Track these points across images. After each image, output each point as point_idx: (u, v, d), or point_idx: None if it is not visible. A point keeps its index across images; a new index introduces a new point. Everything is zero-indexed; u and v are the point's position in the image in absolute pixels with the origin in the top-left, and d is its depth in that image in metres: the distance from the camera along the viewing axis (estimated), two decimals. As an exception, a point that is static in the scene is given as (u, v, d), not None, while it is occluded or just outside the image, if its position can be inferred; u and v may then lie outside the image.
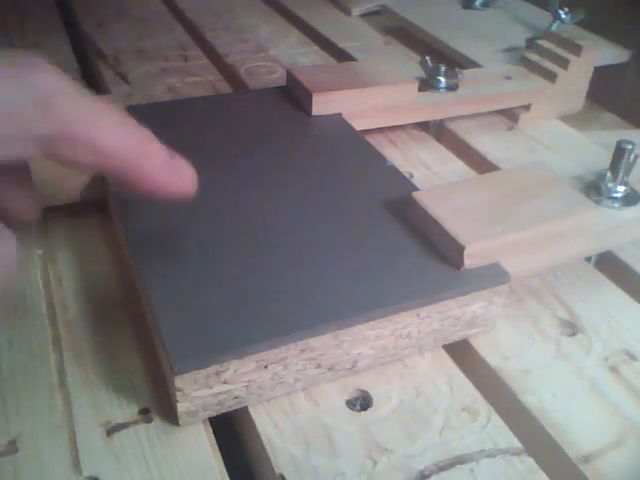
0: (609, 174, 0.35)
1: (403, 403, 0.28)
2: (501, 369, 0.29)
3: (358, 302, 0.27)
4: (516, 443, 0.26)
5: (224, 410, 0.26)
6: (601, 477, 0.25)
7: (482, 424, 0.27)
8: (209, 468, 0.25)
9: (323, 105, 0.42)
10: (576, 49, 0.48)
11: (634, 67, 0.54)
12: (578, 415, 0.27)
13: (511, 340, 0.31)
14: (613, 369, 0.30)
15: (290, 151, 0.39)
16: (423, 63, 0.46)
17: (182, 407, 0.25)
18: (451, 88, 0.46)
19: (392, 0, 0.66)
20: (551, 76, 0.48)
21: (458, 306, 0.29)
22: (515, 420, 0.27)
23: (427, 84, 0.46)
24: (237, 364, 0.25)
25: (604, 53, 0.53)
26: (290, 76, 0.44)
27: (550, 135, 0.47)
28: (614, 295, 0.34)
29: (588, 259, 0.36)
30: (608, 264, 0.36)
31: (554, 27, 0.54)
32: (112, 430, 0.26)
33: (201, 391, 0.25)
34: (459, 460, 0.25)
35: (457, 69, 0.46)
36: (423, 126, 0.48)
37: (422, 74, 0.46)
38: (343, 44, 0.60)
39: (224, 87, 0.52)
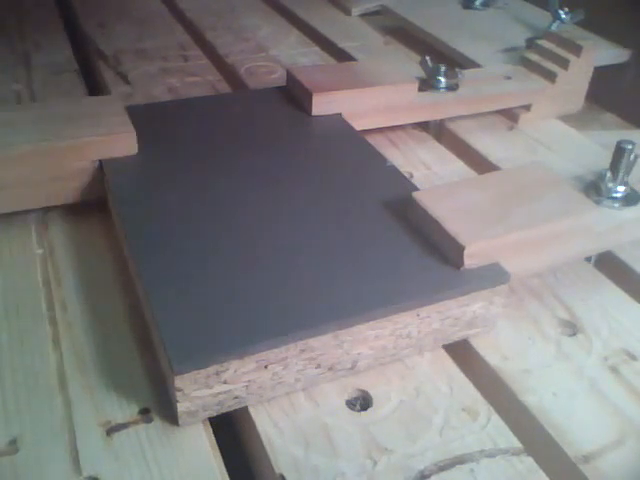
0: (609, 174, 0.35)
1: (403, 403, 0.28)
2: (501, 369, 0.29)
3: (358, 302, 0.27)
4: (516, 443, 0.26)
5: (224, 410, 0.26)
6: (601, 477, 0.25)
7: (482, 424, 0.27)
8: (209, 468, 0.25)
9: (323, 105, 0.42)
10: (576, 49, 0.48)
11: (634, 67, 0.54)
12: (578, 415, 0.27)
13: (511, 340, 0.31)
14: (613, 369, 0.30)
15: (290, 151, 0.39)
16: (423, 63, 0.46)
17: (182, 407, 0.25)
18: (451, 88, 0.46)
19: (392, 0, 0.66)
20: (551, 76, 0.48)
21: (458, 306, 0.29)
22: (515, 420, 0.27)
23: (427, 84, 0.46)
24: (237, 364, 0.25)
25: (604, 53, 0.53)
26: (290, 76, 0.44)
27: (550, 135, 0.47)
28: (614, 295, 0.34)
29: (588, 259, 0.36)
30: (608, 264, 0.36)
31: (554, 27, 0.54)
32: (112, 430, 0.26)
33: (201, 391, 0.25)
34: (459, 460, 0.25)
35: (457, 69, 0.46)
36: (423, 126, 0.48)
37: (422, 74, 0.46)
38: (343, 44, 0.60)
39: (224, 87, 0.52)
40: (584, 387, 0.29)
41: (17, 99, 0.49)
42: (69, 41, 0.59)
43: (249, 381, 0.26)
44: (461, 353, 0.31)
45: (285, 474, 0.24)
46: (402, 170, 0.38)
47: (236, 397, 0.26)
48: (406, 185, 0.35)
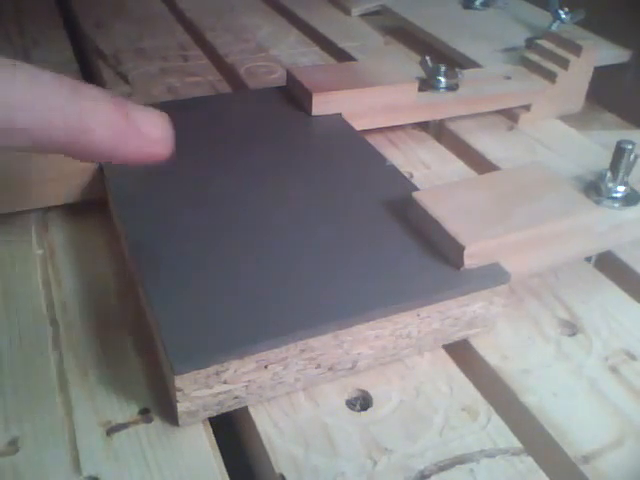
0: (609, 174, 0.35)
1: (403, 403, 0.28)
2: (501, 369, 0.29)
3: (358, 302, 0.27)
4: (516, 443, 0.26)
5: (224, 410, 0.26)
6: (601, 477, 0.25)
7: (482, 424, 0.27)
8: (209, 468, 0.25)
9: (323, 105, 0.42)
10: (576, 49, 0.48)
11: (634, 67, 0.54)
12: (578, 415, 0.27)
13: (511, 340, 0.31)
14: (613, 369, 0.30)
15: (290, 151, 0.39)
16: (423, 63, 0.46)
17: (182, 407, 0.25)
18: (451, 88, 0.46)
19: (392, 0, 0.66)
20: (551, 76, 0.48)
21: (458, 306, 0.29)
22: (515, 420, 0.27)
23: (427, 84, 0.46)
24: (237, 364, 0.25)
25: (604, 53, 0.53)
26: (290, 76, 0.44)
27: (550, 135, 0.47)
28: (614, 295, 0.34)
29: (588, 259, 0.36)
30: (608, 264, 0.36)
31: (554, 27, 0.54)
32: (112, 430, 0.26)
33: (201, 391, 0.25)
34: (459, 460, 0.25)
35: (457, 69, 0.46)
36: (423, 126, 0.48)
37: (422, 74, 0.46)
38: (343, 44, 0.60)
39: (224, 87, 0.52)
40: (584, 387, 0.29)
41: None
42: (69, 41, 0.59)
43: (249, 381, 0.26)
44: (461, 353, 0.31)
45: (285, 474, 0.24)
46: (402, 170, 0.38)
47: (236, 397, 0.26)
48: (406, 185, 0.36)
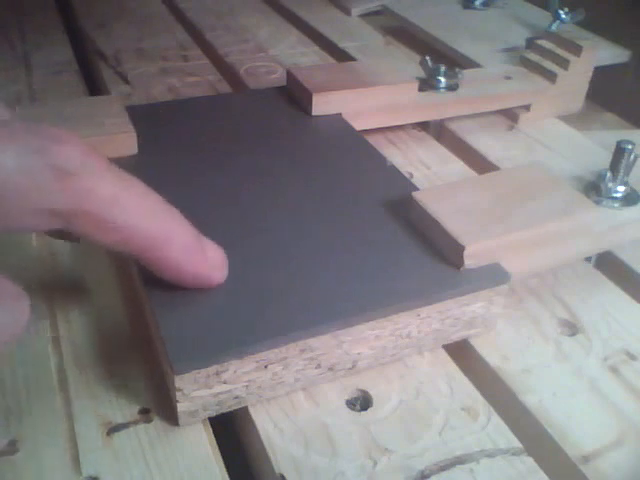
0: (609, 174, 0.35)
1: (403, 403, 0.28)
2: (501, 369, 0.29)
3: (358, 302, 0.27)
4: (516, 443, 0.26)
5: (224, 410, 0.26)
6: (601, 477, 0.25)
7: (482, 424, 0.27)
8: (209, 468, 0.25)
9: (323, 105, 0.42)
10: (576, 49, 0.48)
11: (634, 67, 0.54)
12: (578, 415, 0.27)
13: (511, 340, 0.31)
14: (613, 369, 0.30)
15: (290, 151, 0.39)
16: (423, 63, 0.46)
17: (182, 407, 0.25)
18: (451, 88, 0.46)
19: (392, 0, 0.66)
20: (551, 76, 0.48)
21: (458, 306, 0.29)
22: (515, 420, 0.27)
23: (427, 84, 0.46)
24: (237, 364, 0.25)
25: (604, 53, 0.53)
26: (290, 76, 0.44)
27: (550, 135, 0.47)
28: (614, 295, 0.34)
29: (588, 259, 0.36)
30: (608, 264, 0.36)
31: (554, 27, 0.54)
32: (112, 430, 0.26)
33: (201, 391, 0.25)
34: (459, 460, 0.25)
35: (457, 69, 0.46)
36: (423, 126, 0.48)
37: (422, 74, 0.46)
38: (343, 44, 0.60)
39: (224, 87, 0.52)
40: (584, 387, 0.29)
41: (17, 99, 0.49)
42: (69, 41, 0.59)
43: (249, 381, 0.26)
44: (461, 353, 0.31)
45: (285, 474, 0.24)
46: (402, 170, 0.38)
47: (236, 397, 0.26)
48: (406, 185, 0.36)
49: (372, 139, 0.41)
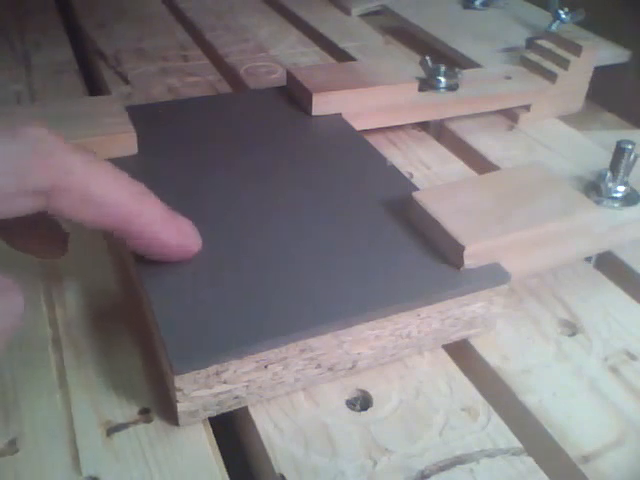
0: (609, 174, 0.35)
1: (403, 403, 0.28)
2: (501, 369, 0.29)
3: (358, 302, 0.27)
4: (516, 443, 0.26)
5: (224, 410, 0.26)
6: (601, 477, 0.25)
7: (482, 424, 0.27)
8: (209, 468, 0.25)
9: (323, 105, 0.42)
10: (576, 49, 0.48)
11: (634, 67, 0.54)
12: (578, 415, 0.27)
13: (511, 340, 0.31)
14: (613, 369, 0.30)
15: (290, 151, 0.39)
16: (423, 63, 0.46)
17: (182, 407, 0.25)
18: (451, 88, 0.46)
19: (392, 0, 0.66)
20: (551, 76, 0.48)
21: (458, 306, 0.29)
22: (515, 420, 0.27)
23: (427, 84, 0.46)
24: (237, 364, 0.25)
25: (604, 53, 0.53)
26: (290, 76, 0.44)
27: (550, 135, 0.47)
28: (614, 295, 0.34)
29: (588, 259, 0.36)
30: (608, 264, 0.36)
31: (554, 27, 0.54)
32: (112, 430, 0.26)
33: (201, 391, 0.25)
34: (459, 460, 0.25)
35: (457, 69, 0.46)
36: (423, 126, 0.48)
37: (422, 74, 0.46)
38: (343, 44, 0.60)
39: (224, 87, 0.52)
40: (584, 387, 0.29)
41: (17, 99, 0.49)
42: (69, 41, 0.59)
43: (249, 381, 0.26)
44: (461, 353, 0.31)
45: (285, 474, 0.24)
46: (402, 170, 0.38)
47: (236, 397, 0.26)
48: (406, 185, 0.36)
49: (372, 139, 0.41)
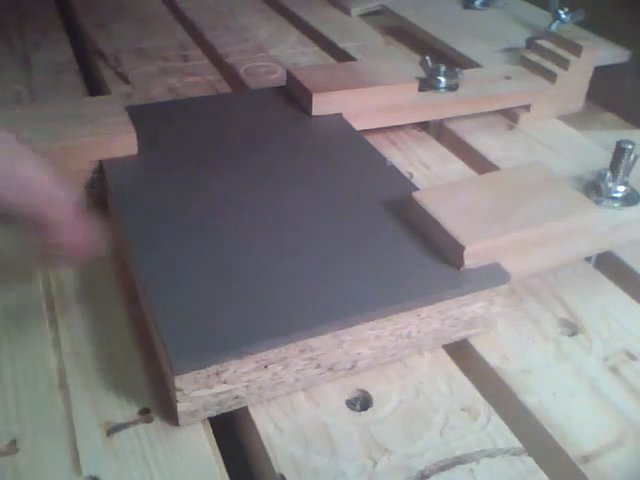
0: (609, 174, 0.35)
1: (403, 403, 0.28)
2: (501, 369, 0.29)
3: (358, 302, 0.27)
4: (516, 443, 0.26)
5: (224, 410, 0.26)
6: (601, 477, 0.25)
7: (482, 424, 0.27)
8: (209, 468, 0.25)
9: (323, 105, 0.42)
10: (576, 49, 0.48)
11: (634, 67, 0.54)
12: (578, 415, 0.27)
13: (511, 340, 0.31)
14: (613, 369, 0.30)
15: (290, 151, 0.39)
16: (423, 63, 0.46)
17: (182, 407, 0.25)
18: (451, 88, 0.46)
19: (392, 0, 0.66)
20: (551, 76, 0.48)
21: (458, 306, 0.29)
22: (515, 420, 0.27)
23: (427, 84, 0.46)
24: (237, 364, 0.25)
25: (604, 53, 0.53)
26: (290, 76, 0.44)
27: (550, 135, 0.47)
28: (614, 295, 0.34)
29: (588, 259, 0.36)
30: (608, 264, 0.36)
31: (554, 27, 0.54)
32: (112, 430, 0.26)
33: (201, 391, 0.25)
34: (459, 460, 0.25)
35: (457, 69, 0.46)
36: (423, 126, 0.48)
37: (422, 74, 0.46)
38: (343, 44, 0.60)
39: (224, 87, 0.52)
40: (584, 387, 0.29)
41: (17, 99, 0.49)
42: (69, 41, 0.59)
43: (249, 381, 0.26)
44: (461, 353, 0.31)
45: (285, 474, 0.24)
46: (402, 170, 0.38)
47: (236, 397, 0.26)
48: (406, 185, 0.35)
49: (372, 139, 0.41)
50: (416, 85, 0.44)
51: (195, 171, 0.36)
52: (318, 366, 0.27)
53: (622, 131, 0.50)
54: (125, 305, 0.32)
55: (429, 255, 0.30)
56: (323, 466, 0.25)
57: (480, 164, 0.44)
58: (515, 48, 0.54)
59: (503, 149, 0.45)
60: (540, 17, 0.61)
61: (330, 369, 0.28)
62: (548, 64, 0.49)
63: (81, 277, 0.33)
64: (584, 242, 0.33)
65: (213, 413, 0.26)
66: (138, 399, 0.27)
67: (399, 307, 0.28)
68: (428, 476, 0.25)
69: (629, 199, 0.35)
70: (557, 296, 0.34)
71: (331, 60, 0.58)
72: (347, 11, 0.67)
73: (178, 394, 0.25)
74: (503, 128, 0.48)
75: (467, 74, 0.47)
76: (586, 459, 0.26)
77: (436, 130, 0.48)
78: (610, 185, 0.35)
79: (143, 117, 0.39)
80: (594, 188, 0.36)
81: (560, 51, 0.48)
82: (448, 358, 0.30)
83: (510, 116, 0.49)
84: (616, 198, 0.35)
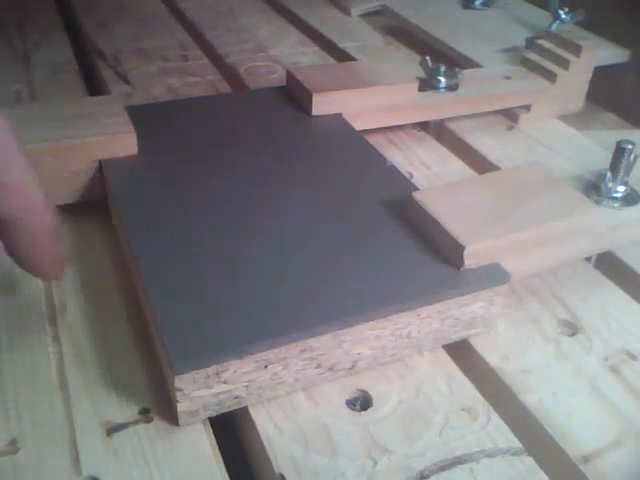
0: (609, 174, 0.35)
1: (403, 403, 0.28)
2: (501, 369, 0.29)
3: (358, 302, 0.27)
4: (516, 443, 0.26)
5: (224, 410, 0.26)
6: (601, 477, 0.25)
7: (482, 424, 0.27)
8: (209, 468, 0.25)
9: (323, 105, 0.42)
10: (576, 49, 0.48)
11: (634, 67, 0.54)
12: (578, 415, 0.27)
13: (511, 340, 0.31)
14: (613, 369, 0.30)
15: (290, 151, 0.39)
16: (423, 63, 0.46)
17: (182, 407, 0.25)
18: (451, 88, 0.46)
19: (392, 0, 0.66)
20: (551, 76, 0.48)
21: (458, 306, 0.29)
22: (515, 420, 0.27)
23: (427, 84, 0.46)
24: (237, 364, 0.25)
25: (604, 53, 0.53)
26: (290, 76, 0.44)
27: (550, 135, 0.47)
28: (614, 295, 0.34)
29: (588, 259, 0.36)
30: (608, 264, 0.36)
31: (554, 27, 0.54)
32: (112, 430, 0.26)
33: (201, 391, 0.25)
34: (459, 460, 0.25)
35: (457, 69, 0.46)
36: (423, 126, 0.48)
37: (422, 74, 0.46)
38: (343, 44, 0.60)
39: (224, 87, 0.52)
40: (584, 387, 0.29)
41: (17, 99, 0.49)
42: (69, 41, 0.59)
43: (249, 381, 0.26)
44: (461, 353, 0.31)
45: (285, 474, 0.24)
46: (402, 170, 0.38)
47: (236, 397, 0.26)
48: (406, 185, 0.36)
49: (372, 139, 0.41)
50: (416, 85, 0.44)
51: (195, 171, 0.36)
52: (318, 366, 0.27)
53: (622, 131, 0.50)
54: (125, 305, 0.32)
55: (429, 255, 0.30)
56: (323, 466, 0.25)
57: (480, 164, 0.44)
58: (515, 48, 0.54)
59: (503, 149, 0.45)
60: (540, 17, 0.60)
61: (330, 369, 0.28)
62: (548, 64, 0.49)
63: (81, 277, 0.33)
64: (584, 242, 0.33)
65: (213, 413, 0.26)
66: (138, 399, 0.27)
67: (399, 307, 0.28)
68: (428, 476, 0.25)
69: (629, 199, 0.35)
70: (557, 296, 0.34)
71: (331, 60, 0.58)
72: (347, 11, 0.67)
73: (178, 394, 0.25)
74: (503, 128, 0.48)
75: (467, 74, 0.47)
76: (586, 459, 0.26)
77: (436, 130, 0.48)
78: (610, 185, 0.35)
79: (143, 117, 0.39)
80: (594, 188, 0.36)
81: (560, 51, 0.48)
82: (448, 358, 0.30)
83: (510, 116, 0.49)
84: (616, 198, 0.35)
